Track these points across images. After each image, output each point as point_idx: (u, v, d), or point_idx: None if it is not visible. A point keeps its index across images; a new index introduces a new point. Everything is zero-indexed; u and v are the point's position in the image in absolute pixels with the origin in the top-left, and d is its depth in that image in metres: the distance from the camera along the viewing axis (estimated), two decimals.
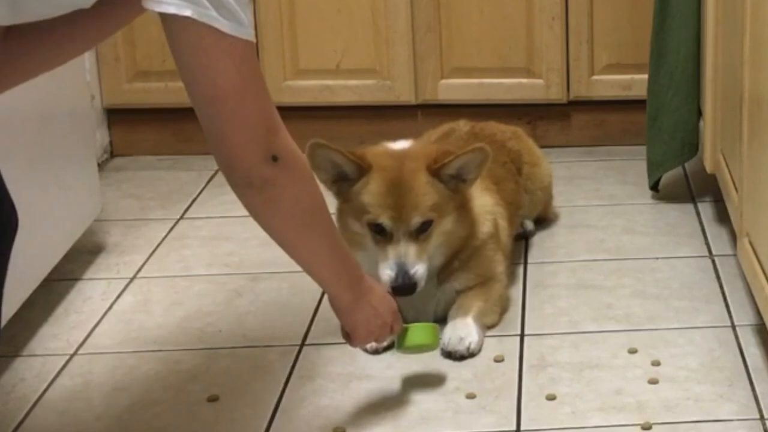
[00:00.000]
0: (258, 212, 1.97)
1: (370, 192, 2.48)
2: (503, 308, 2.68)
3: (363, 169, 2.48)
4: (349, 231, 2.52)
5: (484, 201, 2.68)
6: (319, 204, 2.01)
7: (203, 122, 1.87)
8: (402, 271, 2.45)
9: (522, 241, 3.06)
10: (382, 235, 2.48)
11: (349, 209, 2.51)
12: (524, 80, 3.68)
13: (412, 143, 2.66)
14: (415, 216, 2.47)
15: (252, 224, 3.30)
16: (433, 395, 2.36)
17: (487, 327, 2.60)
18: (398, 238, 2.47)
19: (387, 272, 2.46)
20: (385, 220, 2.47)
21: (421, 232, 2.49)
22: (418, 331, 2.35)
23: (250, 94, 1.83)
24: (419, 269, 2.47)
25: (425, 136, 3.01)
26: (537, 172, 3.07)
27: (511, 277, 2.84)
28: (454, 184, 2.52)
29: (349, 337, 2.24)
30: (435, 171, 2.49)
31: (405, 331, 2.34)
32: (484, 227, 2.65)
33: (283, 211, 1.96)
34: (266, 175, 1.89)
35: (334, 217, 2.57)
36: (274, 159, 1.89)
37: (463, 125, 3.00)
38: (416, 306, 2.61)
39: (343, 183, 2.50)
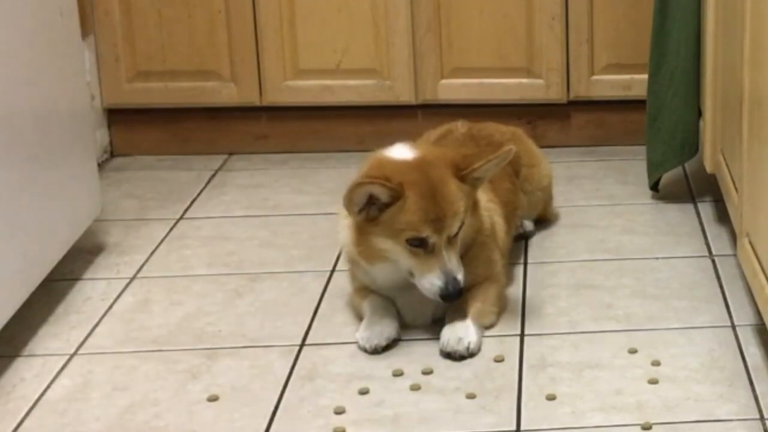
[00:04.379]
0: None
1: (409, 211, 2.47)
2: (501, 308, 2.68)
3: (397, 193, 2.48)
4: (375, 249, 2.52)
5: (480, 197, 2.68)
6: None
7: None
8: (450, 279, 2.48)
9: (522, 241, 3.06)
10: (422, 248, 2.49)
11: (380, 230, 2.50)
12: (524, 80, 3.68)
13: (412, 147, 2.64)
14: (455, 223, 2.49)
15: (252, 224, 3.32)
16: (433, 395, 2.36)
17: (485, 327, 2.60)
18: (440, 247, 2.48)
19: (436, 283, 2.48)
20: (428, 234, 2.47)
21: (454, 237, 2.51)
22: None
23: None
24: (462, 273, 2.50)
25: (424, 137, 3.01)
26: (536, 172, 3.07)
27: (511, 276, 2.84)
28: (473, 183, 2.55)
29: None
30: (462, 176, 2.51)
31: None
32: (486, 223, 2.66)
33: None
34: None
35: (346, 231, 2.57)
36: None
37: (461, 126, 3.00)
38: (414, 308, 2.62)
39: (371, 208, 2.49)
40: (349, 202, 2.48)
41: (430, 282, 2.48)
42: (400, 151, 2.60)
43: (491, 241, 2.68)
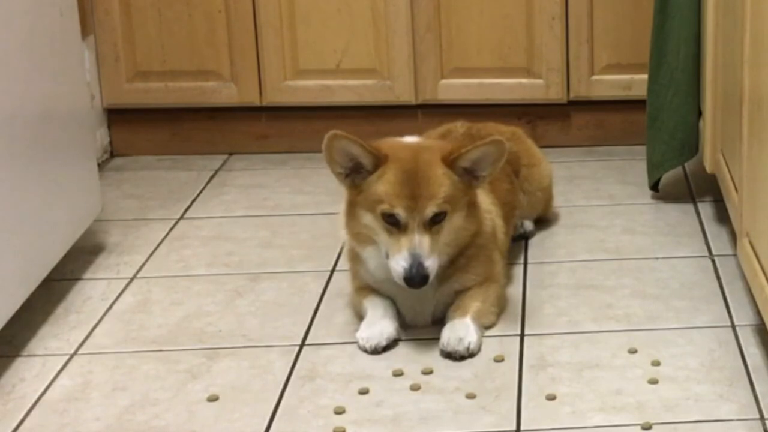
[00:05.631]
0: None
1: (386, 182, 2.47)
2: (501, 308, 2.68)
3: (379, 160, 2.49)
4: (360, 224, 2.53)
5: (482, 200, 2.68)
6: None
7: None
8: (416, 263, 2.44)
9: (522, 241, 3.06)
10: (395, 226, 2.47)
11: (362, 201, 2.51)
12: (524, 80, 3.69)
13: (420, 138, 2.66)
14: (430, 206, 2.47)
15: (252, 224, 3.32)
16: (433, 395, 2.36)
17: (485, 327, 2.60)
18: (412, 229, 2.46)
19: (401, 263, 2.45)
20: (400, 210, 2.46)
21: (434, 224, 2.48)
22: None
23: None
24: (431, 261, 2.47)
25: (423, 137, 3.01)
26: (535, 173, 3.06)
27: (510, 276, 2.84)
28: (467, 179, 2.53)
29: None
30: (450, 162, 2.49)
31: None
32: (486, 226, 2.66)
33: None
34: None
35: (342, 212, 2.59)
36: None
37: (460, 126, 3.00)
38: (414, 307, 2.62)
39: (357, 175, 2.51)
40: (327, 153, 2.47)
41: (397, 262, 2.46)
42: (407, 138, 2.63)
43: (491, 243, 2.68)
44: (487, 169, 2.54)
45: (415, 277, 2.44)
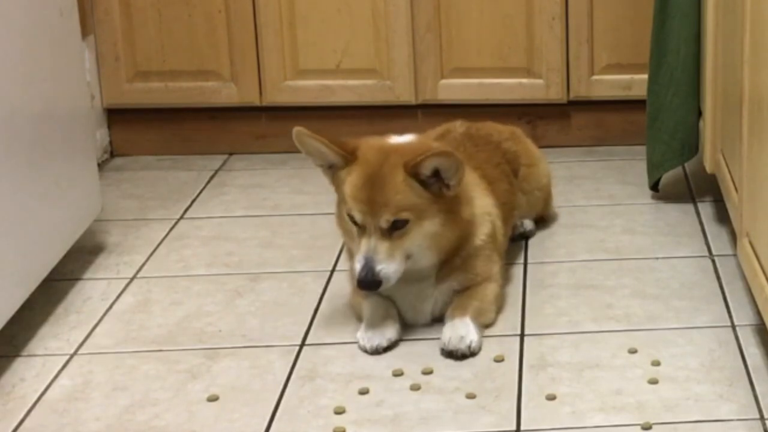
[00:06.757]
0: None
1: (349, 183, 2.51)
2: (499, 307, 2.68)
3: (347, 160, 2.51)
4: (344, 219, 2.56)
5: (483, 203, 2.68)
6: None
7: None
8: (368, 267, 2.47)
9: (522, 240, 3.06)
10: (358, 226, 2.50)
11: (339, 196, 2.56)
12: (524, 80, 3.69)
13: (415, 137, 2.66)
14: (384, 213, 2.48)
15: (252, 224, 3.32)
16: (433, 395, 2.36)
17: (484, 326, 2.60)
18: (369, 233, 2.49)
19: (356, 265, 2.49)
20: (356, 213, 2.49)
21: (394, 230, 2.49)
22: None
23: None
24: (387, 267, 2.47)
25: (421, 137, 3.02)
26: (534, 172, 3.06)
27: (508, 276, 2.85)
28: (437, 187, 2.52)
29: None
30: (411, 170, 2.49)
31: None
32: (485, 228, 2.65)
33: None
34: None
35: (335, 205, 2.60)
36: None
37: (459, 126, 3.00)
38: (413, 305, 2.62)
39: (334, 169, 2.54)
40: (300, 149, 2.52)
41: (354, 264, 2.50)
42: (398, 138, 2.63)
43: (490, 243, 2.68)
44: (453, 178, 2.52)
45: (365, 281, 2.47)
